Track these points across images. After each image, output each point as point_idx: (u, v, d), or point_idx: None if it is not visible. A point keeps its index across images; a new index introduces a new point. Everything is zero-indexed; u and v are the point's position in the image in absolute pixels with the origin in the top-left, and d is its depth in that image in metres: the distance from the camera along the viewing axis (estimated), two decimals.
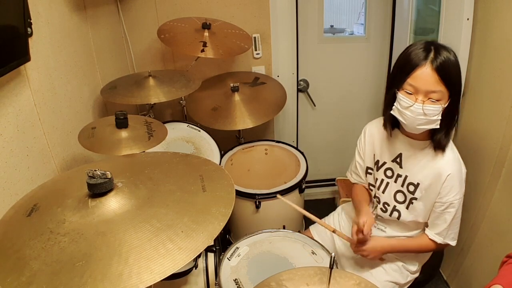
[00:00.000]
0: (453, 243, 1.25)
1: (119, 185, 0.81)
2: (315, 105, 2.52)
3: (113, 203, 0.76)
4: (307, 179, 1.76)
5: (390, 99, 1.17)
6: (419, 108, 1.07)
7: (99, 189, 0.76)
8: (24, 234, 0.72)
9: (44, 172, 1.16)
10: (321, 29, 2.35)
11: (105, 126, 1.22)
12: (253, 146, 1.97)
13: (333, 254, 0.90)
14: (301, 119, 2.54)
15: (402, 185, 1.27)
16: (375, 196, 1.37)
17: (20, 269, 0.64)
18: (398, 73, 1.13)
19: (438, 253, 1.53)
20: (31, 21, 1.10)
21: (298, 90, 2.41)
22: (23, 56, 1.00)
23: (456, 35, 1.61)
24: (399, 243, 1.31)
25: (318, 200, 2.75)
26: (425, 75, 1.06)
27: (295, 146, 2.06)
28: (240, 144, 1.97)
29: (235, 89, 1.85)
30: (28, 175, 1.07)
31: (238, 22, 1.97)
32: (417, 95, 1.08)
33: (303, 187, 1.72)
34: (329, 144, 2.66)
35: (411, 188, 1.24)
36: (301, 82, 2.43)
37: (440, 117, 1.09)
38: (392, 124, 1.25)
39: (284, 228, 1.48)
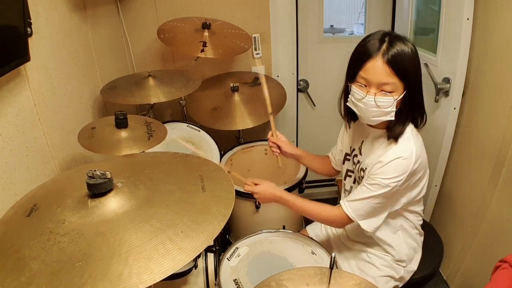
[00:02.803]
0: (358, 220, 1.18)
1: (119, 185, 0.80)
2: (315, 105, 2.52)
3: (113, 203, 0.76)
4: (307, 179, 1.76)
5: (346, 92, 1.19)
6: (371, 100, 1.07)
7: (98, 189, 0.76)
8: (24, 234, 0.72)
9: (43, 172, 1.16)
10: (321, 29, 2.35)
11: (105, 126, 1.22)
12: (253, 146, 1.97)
13: (333, 254, 0.90)
14: (301, 119, 2.53)
15: (358, 171, 1.28)
16: (355, 182, 1.38)
17: (20, 269, 0.63)
18: (352, 66, 1.14)
19: (438, 252, 1.52)
20: (31, 21, 1.10)
21: (298, 90, 2.41)
22: (23, 56, 1.00)
23: (456, 35, 1.61)
24: (293, 197, 1.29)
25: (318, 200, 2.73)
26: (376, 68, 1.05)
27: (295, 146, 2.06)
28: (240, 144, 1.97)
29: (235, 89, 1.85)
30: (27, 175, 1.07)
31: (238, 22, 1.97)
32: (369, 88, 1.08)
33: (303, 187, 1.72)
34: (329, 144, 2.65)
35: (362, 173, 1.25)
36: (301, 82, 2.43)
37: (394, 109, 1.09)
38: (351, 115, 1.27)
39: (284, 228, 1.48)
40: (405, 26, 2.14)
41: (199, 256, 1.33)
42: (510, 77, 1.41)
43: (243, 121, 1.77)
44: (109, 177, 0.77)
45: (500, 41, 1.45)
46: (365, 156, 1.26)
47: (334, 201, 2.67)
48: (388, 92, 1.06)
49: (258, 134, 2.26)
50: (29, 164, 1.08)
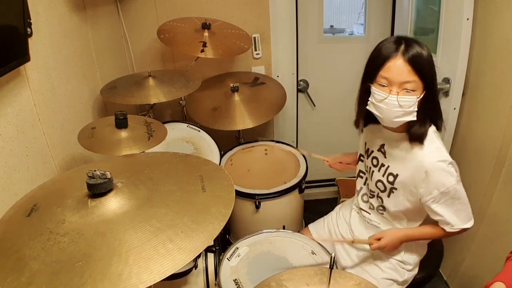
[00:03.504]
0: (468, 224, 1.23)
1: (119, 185, 0.80)
2: (315, 105, 2.52)
3: (113, 203, 0.76)
4: (307, 179, 1.76)
5: (364, 95, 1.17)
6: (394, 99, 1.06)
7: (98, 189, 0.76)
8: (24, 234, 0.72)
9: (43, 172, 1.16)
10: (321, 29, 2.35)
11: (105, 126, 1.22)
12: (253, 146, 1.97)
13: (333, 254, 0.90)
14: (301, 119, 2.53)
15: (383, 175, 1.27)
16: (366, 184, 1.38)
17: (20, 269, 0.64)
18: (371, 67, 1.13)
19: (438, 252, 1.53)
20: (31, 21, 1.10)
21: (298, 90, 2.41)
22: (23, 56, 1.00)
23: (456, 35, 1.61)
24: (413, 231, 1.29)
25: (318, 200, 2.75)
26: (397, 66, 1.06)
27: (295, 146, 2.06)
28: (240, 144, 1.97)
29: (235, 89, 1.85)
30: (27, 175, 1.07)
31: (238, 22, 1.97)
32: (391, 87, 1.07)
33: (303, 187, 1.72)
34: (329, 144, 2.66)
35: (391, 178, 1.24)
36: (301, 82, 2.43)
37: (416, 109, 1.08)
38: (366, 119, 1.26)
39: (284, 228, 1.48)
40: (405, 26, 2.14)
41: (199, 256, 1.33)
42: (510, 77, 1.41)
43: (243, 121, 1.77)
44: (109, 177, 0.77)
45: (500, 41, 1.45)
46: (391, 161, 1.24)
47: (334, 201, 2.68)
48: (411, 90, 1.06)
49: (258, 134, 2.26)
50: (29, 164, 1.08)
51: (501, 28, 1.44)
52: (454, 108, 1.72)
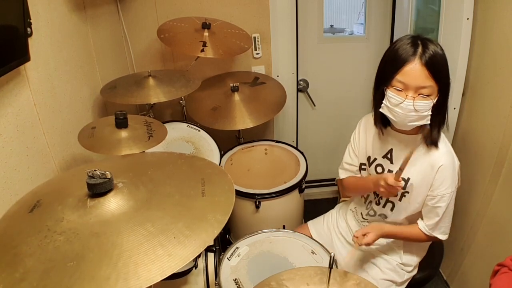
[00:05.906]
0: (443, 237, 1.23)
1: (119, 186, 0.80)
2: (315, 105, 2.52)
3: (111, 204, 0.76)
4: (307, 179, 1.76)
5: (378, 97, 1.16)
6: (410, 104, 1.06)
7: (98, 189, 0.75)
8: (23, 230, 0.72)
9: (43, 172, 1.16)
10: (321, 29, 2.35)
11: (105, 126, 1.22)
12: (253, 146, 1.97)
13: (332, 254, 0.90)
14: (301, 119, 2.54)
15: None
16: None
17: (15, 265, 0.63)
18: (386, 70, 1.11)
19: (438, 252, 1.53)
20: (31, 21, 1.10)
21: (298, 90, 2.41)
22: (23, 56, 1.00)
23: (456, 35, 1.61)
24: (394, 227, 1.29)
25: (318, 200, 2.75)
26: (414, 71, 1.04)
27: (295, 146, 2.06)
28: (240, 144, 1.97)
29: (235, 89, 1.85)
30: (28, 175, 1.07)
31: (238, 22, 1.97)
32: (407, 92, 1.06)
33: (303, 187, 1.72)
34: (329, 144, 2.66)
35: (401, 183, 1.23)
36: (301, 82, 2.43)
37: (430, 113, 1.08)
38: (382, 121, 1.23)
39: (284, 228, 1.48)
40: (405, 26, 2.14)
41: (199, 255, 1.33)
42: (510, 76, 1.41)
43: (243, 121, 1.77)
44: (109, 177, 0.76)
45: (500, 41, 1.45)
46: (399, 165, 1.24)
47: (334, 201, 2.68)
48: (426, 95, 1.06)
49: (258, 134, 2.26)
50: (29, 164, 1.08)
51: (501, 28, 1.44)
52: (454, 108, 1.72)
